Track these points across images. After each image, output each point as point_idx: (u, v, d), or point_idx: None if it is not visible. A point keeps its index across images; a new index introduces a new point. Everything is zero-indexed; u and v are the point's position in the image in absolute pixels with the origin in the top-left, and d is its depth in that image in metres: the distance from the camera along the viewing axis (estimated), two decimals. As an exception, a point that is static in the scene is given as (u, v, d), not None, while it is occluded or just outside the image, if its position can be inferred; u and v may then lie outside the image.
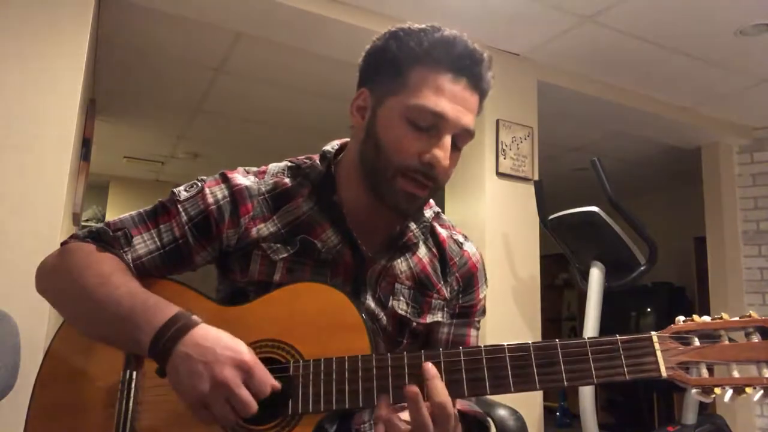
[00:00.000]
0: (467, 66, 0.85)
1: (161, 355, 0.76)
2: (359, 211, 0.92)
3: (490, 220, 2.93)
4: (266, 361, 0.80)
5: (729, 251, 3.99)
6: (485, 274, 1.04)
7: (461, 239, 1.03)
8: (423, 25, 0.88)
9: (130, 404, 0.81)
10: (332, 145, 1.00)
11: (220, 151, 4.90)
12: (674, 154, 4.50)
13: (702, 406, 2.88)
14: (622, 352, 0.76)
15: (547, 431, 3.53)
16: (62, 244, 0.91)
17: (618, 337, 0.76)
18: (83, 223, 4.84)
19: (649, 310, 5.20)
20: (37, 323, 1.91)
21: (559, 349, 0.76)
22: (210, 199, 0.91)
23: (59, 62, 2.09)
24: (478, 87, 0.87)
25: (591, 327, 2.73)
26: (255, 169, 0.97)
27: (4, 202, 1.94)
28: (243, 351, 0.75)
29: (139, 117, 4.19)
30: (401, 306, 0.94)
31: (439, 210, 1.04)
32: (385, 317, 0.94)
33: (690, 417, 2.79)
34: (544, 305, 3.16)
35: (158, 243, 0.89)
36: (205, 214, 0.90)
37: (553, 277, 6.83)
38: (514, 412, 1.23)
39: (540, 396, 2.96)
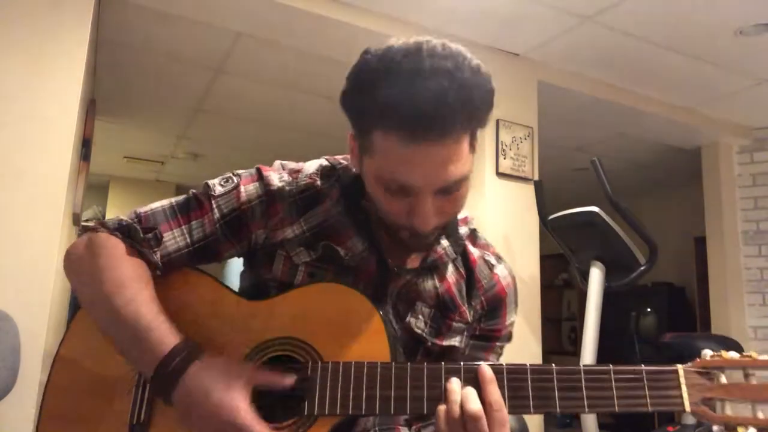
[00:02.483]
0: (426, 125, 0.72)
1: (163, 391, 0.77)
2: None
3: (490, 220, 2.93)
4: (284, 360, 0.81)
5: (729, 251, 3.99)
6: (516, 299, 1.00)
7: (493, 261, 0.98)
8: (389, 60, 0.74)
9: (146, 393, 0.81)
10: None
11: (220, 151, 4.90)
12: (674, 154, 4.49)
13: (702, 406, 2.87)
14: (646, 382, 0.75)
15: (547, 431, 3.53)
16: (91, 229, 0.89)
17: (643, 366, 0.76)
18: (83, 223, 4.83)
19: (649, 310, 5.20)
20: (37, 323, 1.91)
21: (583, 374, 0.76)
22: (244, 198, 0.89)
23: (59, 62, 2.09)
24: (449, 135, 0.74)
25: (591, 327, 2.73)
26: (292, 165, 0.94)
27: (4, 201, 1.94)
28: (240, 412, 0.74)
29: (139, 117, 4.19)
30: (418, 324, 0.91)
31: (475, 228, 0.99)
32: (400, 330, 0.92)
33: (690, 417, 2.78)
34: (544, 305, 3.16)
35: (188, 240, 0.88)
36: (238, 213, 0.88)
37: (553, 277, 6.82)
38: (515, 413, 1.23)
39: (540, 396, 2.96)
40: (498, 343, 1.00)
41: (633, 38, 2.90)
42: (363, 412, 0.78)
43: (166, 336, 0.78)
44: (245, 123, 4.18)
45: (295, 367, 0.81)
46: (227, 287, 0.89)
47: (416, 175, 0.75)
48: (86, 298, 0.86)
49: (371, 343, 0.81)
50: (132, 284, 0.82)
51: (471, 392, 0.74)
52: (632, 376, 0.75)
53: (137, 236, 0.87)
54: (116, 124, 4.27)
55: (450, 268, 0.94)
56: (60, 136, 2.06)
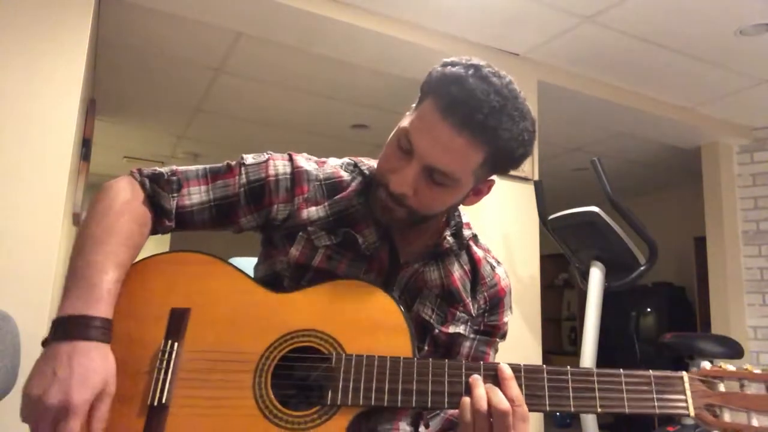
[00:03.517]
0: (458, 109, 0.82)
1: (58, 334, 0.77)
2: None
3: (490, 220, 2.93)
4: (308, 351, 0.84)
5: (729, 251, 3.99)
6: (511, 302, 1.07)
7: (494, 263, 1.06)
8: (464, 60, 0.87)
9: (169, 374, 0.82)
10: None
11: (220, 151, 4.89)
12: (674, 154, 4.50)
13: (702, 406, 2.87)
14: (654, 386, 0.81)
15: (547, 431, 3.53)
16: (131, 171, 0.96)
17: (651, 372, 0.82)
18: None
19: (649, 310, 5.20)
20: (37, 323, 1.90)
21: (596, 377, 0.81)
22: (271, 171, 0.96)
23: (59, 62, 2.09)
24: (469, 133, 0.83)
25: (591, 327, 2.73)
26: (315, 158, 1.02)
27: (4, 201, 1.94)
28: (79, 398, 0.72)
29: (139, 117, 4.19)
30: (425, 311, 0.97)
31: (477, 234, 1.07)
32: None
33: (690, 418, 2.78)
34: (544, 305, 3.16)
35: (210, 196, 0.95)
36: (263, 182, 0.95)
37: (553, 277, 6.82)
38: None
39: (540, 396, 2.96)
40: (497, 339, 1.05)
41: (633, 38, 2.90)
42: (385, 404, 0.80)
43: (100, 302, 0.80)
44: (245, 123, 4.18)
45: (318, 356, 0.83)
46: (255, 281, 0.92)
47: (421, 137, 0.85)
48: (78, 233, 0.90)
49: (394, 340, 0.84)
50: (118, 240, 0.86)
51: (496, 389, 0.79)
52: (641, 380, 0.81)
53: (162, 179, 0.94)
54: (116, 124, 4.27)
55: (455, 264, 1.01)
56: (60, 136, 2.06)
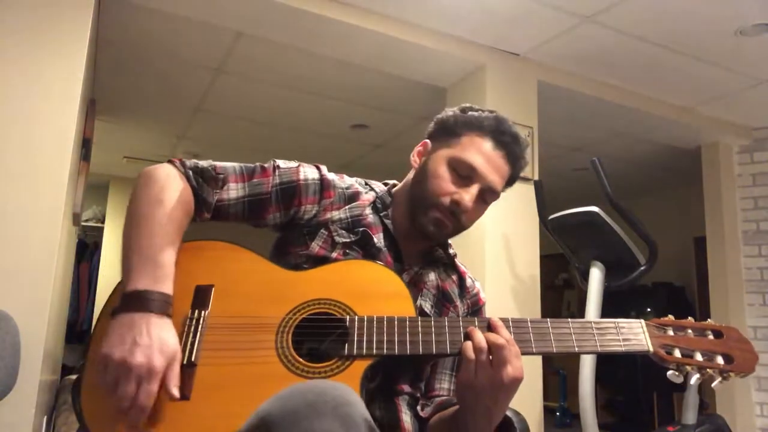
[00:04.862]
0: (507, 142, 1.09)
1: (127, 305, 0.86)
2: (401, 230, 1.14)
3: (490, 220, 2.93)
4: (323, 315, 0.95)
5: (729, 251, 3.99)
6: (485, 314, 1.22)
7: (474, 279, 1.24)
8: (485, 109, 1.13)
9: (197, 337, 0.90)
10: (393, 182, 1.24)
11: (220, 151, 4.89)
12: (674, 154, 4.50)
13: (702, 406, 2.88)
14: (619, 330, 0.99)
15: (547, 431, 3.53)
16: (169, 161, 1.06)
17: (615, 320, 1.00)
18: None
19: (649, 310, 5.20)
20: (37, 323, 1.91)
21: (571, 324, 0.98)
22: (302, 176, 1.10)
23: (59, 62, 2.09)
24: (512, 161, 1.11)
25: (591, 327, 2.73)
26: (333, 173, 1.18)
27: (4, 201, 1.94)
28: (159, 363, 0.82)
29: (139, 117, 4.19)
30: (426, 305, 1.12)
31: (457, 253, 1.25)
32: None
33: (690, 417, 2.79)
34: (544, 305, 3.16)
35: (246, 191, 1.08)
36: (294, 184, 1.09)
37: (553, 277, 6.82)
38: (516, 414, 1.23)
39: (540, 396, 2.96)
40: None
41: (633, 38, 2.90)
42: (396, 353, 0.91)
43: (166, 280, 0.91)
44: (245, 123, 4.18)
45: (334, 317, 0.94)
46: (275, 263, 1.03)
47: (482, 164, 1.08)
48: (135, 213, 0.98)
49: (398, 305, 0.97)
50: (173, 228, 0.96)
51: (491, 333, 0.93)
52: (609, 325, 0.99)
53: (208, 174, 1.05)
54: (116, 124, 4.27)
55: (444, 274, 1.19)
56: (60, 136, 2.06)
